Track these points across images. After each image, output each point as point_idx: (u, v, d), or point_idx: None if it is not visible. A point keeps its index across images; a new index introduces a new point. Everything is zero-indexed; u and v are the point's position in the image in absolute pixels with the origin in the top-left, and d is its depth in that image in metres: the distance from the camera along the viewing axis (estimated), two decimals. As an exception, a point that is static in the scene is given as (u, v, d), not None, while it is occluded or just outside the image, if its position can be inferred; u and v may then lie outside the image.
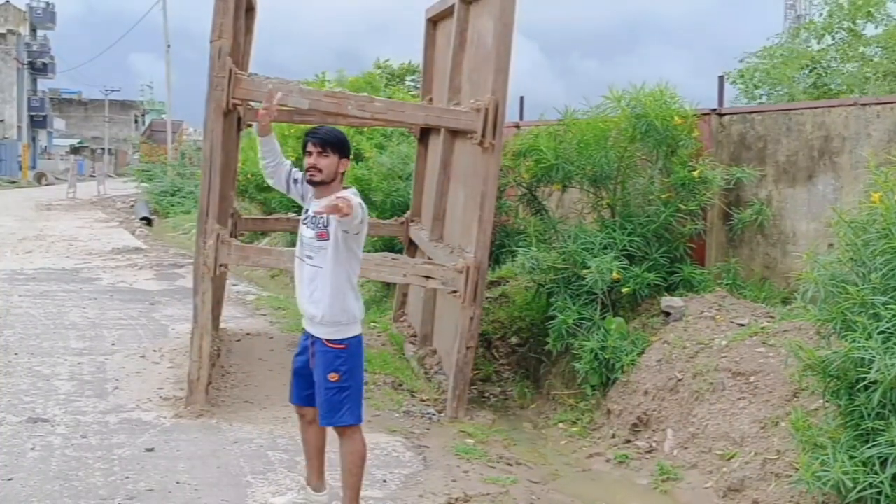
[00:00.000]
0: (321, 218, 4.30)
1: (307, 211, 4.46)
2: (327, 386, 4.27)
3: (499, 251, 8.27)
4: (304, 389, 4.46)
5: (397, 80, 21.73)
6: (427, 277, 6.84)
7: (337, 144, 4.36)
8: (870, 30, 12.12)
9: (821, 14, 12.77)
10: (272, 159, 4.56)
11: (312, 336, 4.37)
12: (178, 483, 5.07)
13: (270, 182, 4.63)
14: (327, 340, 4.31)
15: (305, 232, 4.40)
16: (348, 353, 4.32)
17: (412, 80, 21.43)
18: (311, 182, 4.38)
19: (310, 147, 4.36)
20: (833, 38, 12.49)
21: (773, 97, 11.64)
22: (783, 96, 11.37)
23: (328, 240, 4.30)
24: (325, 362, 4.30)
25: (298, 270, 4.43)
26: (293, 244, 5.00)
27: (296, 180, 4.57)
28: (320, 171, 4.34)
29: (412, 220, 9.72)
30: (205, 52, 6.38)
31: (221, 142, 6.53)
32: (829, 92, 11.07)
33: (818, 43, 12.53)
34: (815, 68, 11.85)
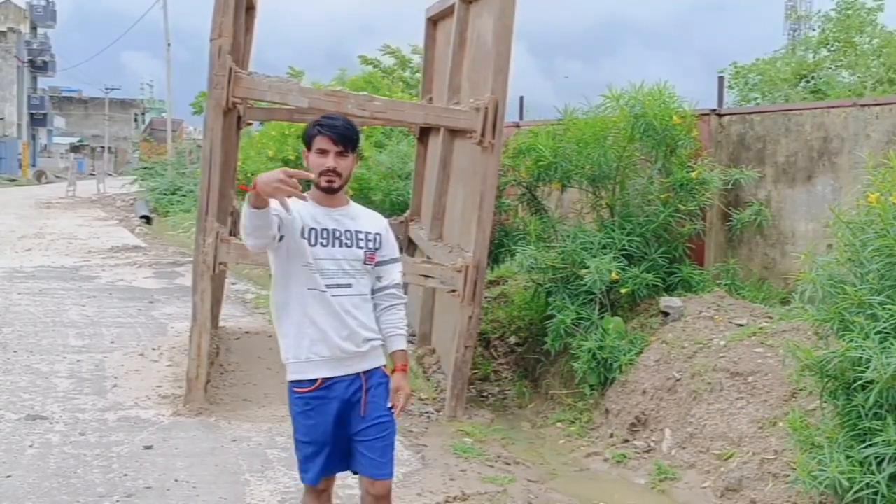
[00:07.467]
0: (370, 239, 3.47)
1: (320, 229, 3.39)
2: (388, 420, 3.47)
3: (498, 250, 8.27)
4: (335, 458, 3.50)
5: (394, 72, 21.28)
6: (426, 276, 6.85)
7: (357, 142, 3.43)
8: (864, 41, 12.33)
9: (813, 29, 13.10)
10: (262, 237, 3.25)
11: (362, 373, 3.46)
12: (176, 481, 5.08)
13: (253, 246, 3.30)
14: (384, 366, 3.53)
15: (344, 255, 3.41)
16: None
17: (410, 74, 21.03)
18: (329, 190, 3.39)
19: (324, 144, 3.36)
20: (829, 50, 12.70)
21: (768, 99, 11.70)
22: (778, 98, 11.41)
23: (373, 264, 3.50)
24: (386, 394, 3.50)
25: (328, 305, 3.39)
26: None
27: (281, 222, 3.27)
28: (339, 175, 3.38)
29: (411, 220, 9.72)
30: (199, 51, 6.39)
31: (221, 140, 6.54)
32: (827, 97, 11.14)
33: (814, 56, 12.73)
34: (811, 79, 11.98)
